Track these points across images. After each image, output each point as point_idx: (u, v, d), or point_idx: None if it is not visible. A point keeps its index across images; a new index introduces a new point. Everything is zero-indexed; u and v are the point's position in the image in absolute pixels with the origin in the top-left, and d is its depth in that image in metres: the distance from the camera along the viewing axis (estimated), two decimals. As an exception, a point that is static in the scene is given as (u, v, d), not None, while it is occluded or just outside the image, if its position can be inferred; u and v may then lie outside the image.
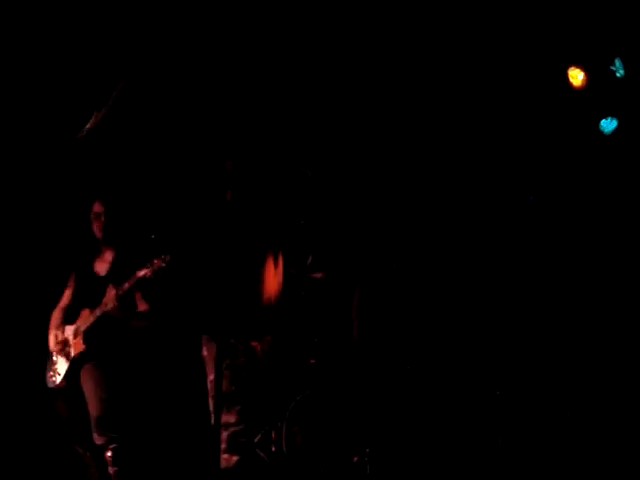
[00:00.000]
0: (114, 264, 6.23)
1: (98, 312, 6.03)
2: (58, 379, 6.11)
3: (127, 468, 5.99)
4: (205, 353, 5.83)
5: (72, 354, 6.09)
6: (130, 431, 6.10)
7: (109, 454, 5.96)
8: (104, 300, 6.00)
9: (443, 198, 7.08)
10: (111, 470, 5.98)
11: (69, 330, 6.17)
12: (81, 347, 6.07)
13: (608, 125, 6.83)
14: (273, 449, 6.01)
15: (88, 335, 6.07)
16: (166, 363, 6.86)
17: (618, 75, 6.67)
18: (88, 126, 6.35)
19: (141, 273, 5.88)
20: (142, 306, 6.13)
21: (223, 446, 5.43)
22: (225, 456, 5.50)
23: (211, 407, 5.62)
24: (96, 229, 6.25)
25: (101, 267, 6.26)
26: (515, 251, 6.94)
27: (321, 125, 6.97)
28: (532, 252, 6.91)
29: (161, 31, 6.27)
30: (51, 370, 6.19)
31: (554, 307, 6.77)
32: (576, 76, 6.82)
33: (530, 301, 6.80)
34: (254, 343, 5.81)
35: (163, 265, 5.81)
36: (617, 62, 6.68)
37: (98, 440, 5.98)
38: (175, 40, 6.33)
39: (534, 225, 6.97)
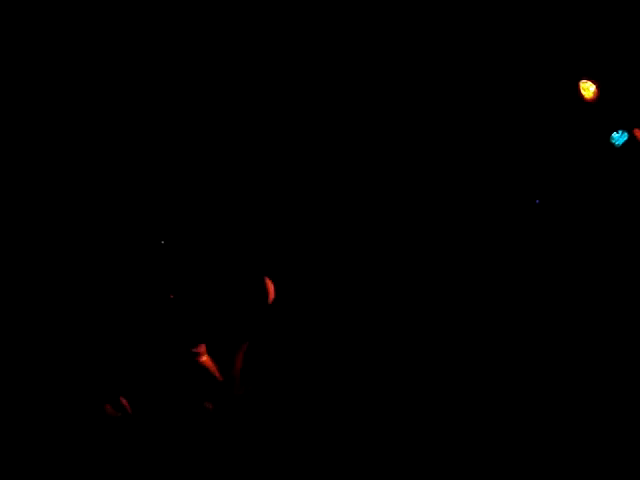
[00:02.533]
0: None
1: None
2: None
3: None
4: (205, 359, 5.96)
5: None
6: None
7: None
8: None
9: (449, 207, 7.10)
10: None
11: None
12: None
13: (619, 138, 6.80)
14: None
15: None
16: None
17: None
18: None
19: None
20: None
21: None
22: None
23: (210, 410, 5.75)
24: None
25: None
26: (520, 265, 6.93)
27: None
28: (538, 268, 6.89)
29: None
30: None
31: (556, 325, 6.72)
32: (587, 88, 6.82)
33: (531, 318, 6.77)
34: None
35: None
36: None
37: None
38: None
39: (542, 239, 6.95)
